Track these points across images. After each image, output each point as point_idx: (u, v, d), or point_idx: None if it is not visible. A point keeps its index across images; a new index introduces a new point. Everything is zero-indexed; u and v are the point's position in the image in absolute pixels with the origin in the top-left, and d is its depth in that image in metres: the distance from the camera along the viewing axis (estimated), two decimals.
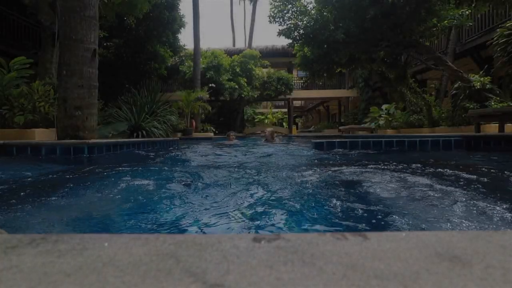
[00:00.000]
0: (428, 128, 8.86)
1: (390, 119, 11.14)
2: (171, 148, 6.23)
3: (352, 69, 11.34)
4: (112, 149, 4.20)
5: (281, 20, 9.08)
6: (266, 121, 29.36)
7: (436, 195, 1.63)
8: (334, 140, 5.00)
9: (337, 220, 1.38)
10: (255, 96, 18.59)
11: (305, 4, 9.11)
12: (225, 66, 17.02)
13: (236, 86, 16.92)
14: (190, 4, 16.53)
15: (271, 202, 1.66)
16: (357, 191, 1.92)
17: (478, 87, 7.06)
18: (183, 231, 1.23)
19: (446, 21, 7.84)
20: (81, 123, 4.37)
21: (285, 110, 28.10)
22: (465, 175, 2.27)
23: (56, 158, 3.61)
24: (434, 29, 8.13)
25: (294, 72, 23.39)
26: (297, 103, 31.47)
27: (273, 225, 1.29)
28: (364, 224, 1.30)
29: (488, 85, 7.13)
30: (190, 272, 0.35)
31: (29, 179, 2.54)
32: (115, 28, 12.23)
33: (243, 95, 17.55)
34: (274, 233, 0.46)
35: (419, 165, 2.85)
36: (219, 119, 21.04)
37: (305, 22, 8.63)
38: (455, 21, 7.77)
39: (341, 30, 7.94)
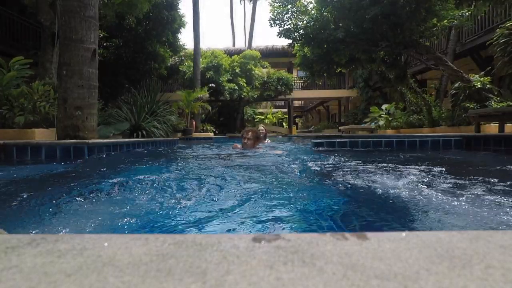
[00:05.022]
0: (428, 128, 8.86)
1: (390, 119, 11.15)
2: (170, 148, 6.24)
3: (352, 69, 11.35)
4: (112, 149, 4.20)
5: (281, 21, 9.09)
6: (266, 121, 29.39)
7: (435, 192, 1.63)
8: (334, 140, 5.00)
9: (338, 219, 1.38)
10: (255, 96, 18.62)
11: (305, 4, 9.12)
12: (225, 66, 17.05)
13: (236, 87, 16.95)
14: (190, 3, 16.54)
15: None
16: (353, 188, 1.92)
17: (478, 87, 7.06)
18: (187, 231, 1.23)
19: (446, 21, 7.85)
20: (81, 123, 4.37)
21: (285, 110, 28.14)
22: (463, 173, 2.28)
23: (56, 158, 3.61)
24: (434, 29, 8.14)
25: (294, 72, 23.42)
26: (297, 103, 31.51)
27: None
28: (365, 222, 1.30)
29: (488, 85, 7.14)
30: (190, 272, 0.35)
31: (28, 179, 2.54)
32: (115, 28, 12.23)
33: (243, 96, 17.58)
34: (274, 233, 0.46)
35: (418, 164, 2.86)
36: (219, 119, 21.08)
37: (305, 22, 8.64)
38: (455, 21, 7.78)
39: (341, 30, 7.95)
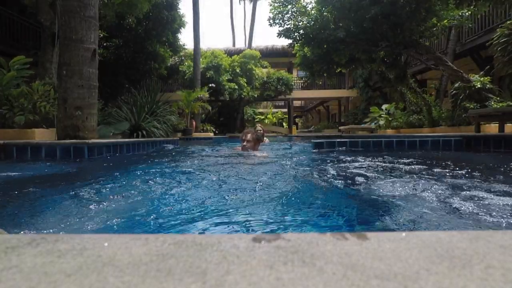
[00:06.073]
0: (428, 128, 8.86)
1: (390, 119, 11.15)
2: (170, 148, 6.23)
3: (352, 69, 11.35)
4: (112, 149, 4.20)
5: (281, 21, 9.10)
6: (266, 121, 29.41)
7: (435, 192, 1.63)
8: (334, 140, 5.00)
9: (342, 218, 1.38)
10: (255, 96, 18.63)
11: (305, 4, 9.12)
12: (225, 66, 17.05)
13: (236, 87, 16.95)
14: (190, 3, 16.55)
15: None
16: (353, 188, 1.92)
17: (478, 87, 7.06)
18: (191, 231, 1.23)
19: (446, 21, 7.85)
20: (81, 123, 4.37)
21: (285, 110, 28.15)
22: (463, 173, 2.28)
23: (56, 158, 3.61)
24: (434, 29, 8.14)
25: (294, 72, 23.43)
26: (297, 103, 31.52)
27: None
28: (364, 222, 1.30)
29: (488, 85, 7.14)
30: (190, 272, 0.35)
31: (28, 179, 2.54)
32: (115, 28, 12.24)
33: (243, 96, 17.58)
34: (274, 233, 0.46)
35: (418, 165, 2.86)
36: (219, 119, 21.08)
37: (305, 22, 8.65)
38: (455, 21, 7.78)
39: (341, 30, 7.95)
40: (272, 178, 2.36)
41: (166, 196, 1.78)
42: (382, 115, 11.58)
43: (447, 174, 2.36)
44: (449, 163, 2.99)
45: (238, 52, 19.72)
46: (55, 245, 0.43)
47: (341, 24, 8.23)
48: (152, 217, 1.37)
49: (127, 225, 1.26)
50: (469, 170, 2.55)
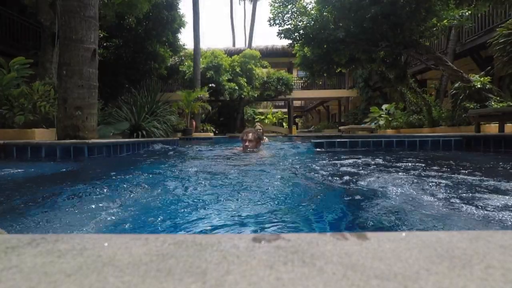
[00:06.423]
0: (428, 128, 8.86)
1: (390, 119, 11.15)
2: (170, 148, 6.23)
3: (352, 69, 11.36)
4: (112, 149, 4.20)
5: (281, 21, 9.10)
6: (266, 121, 29.42)
7: (434, 193, 1.63)
8: (334, 140, 5.00)
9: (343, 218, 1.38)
10: (255, 96, 18.62)
11: (305, 4, 9.12)
12: (225, 66, 17.04)
13: (236, 87, 16.94)
14: (190, 3, 16.55)
15: None
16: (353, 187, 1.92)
17: (478, 87, 7.06)
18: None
19: (446, 21, 7.85)
20: (81, 123, 4.37)
21: (285, 110, 28.16)
22: (462, 171, 2.28)
23: (56, 158, 3.61)
24: (434, 29, 8.14)
25: (294, 72, 23.43)
26: (297, 103, 31.52)
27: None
28: (362, 222, 1.30)
29: (488, 85, 7.14)
30: (190, 272, 0.35)
31: (29, 179, 2.54)
32: (115, 28, 12.23)
33: (243, 95, 17.58)
34: (274, 233, 0.46)
35: (418, 165, 2.86)
36: (219, 119, 21.07)
37: (305, 22, 8.65)
38: (455, 21, 7.78)
39: (341, 30, 7.95)
40: (277, 178, 2.36)
41: (167, 197, 1.78)
42: (382, 115, 11.58)
43: (447, 174, 2.36)
44: (450, 162, 2.99)
45: (238, 52, 19.72)
46: (55, 245, 0.43)
47: (341, 24, 8.23)
48: (152, 217, 1.37)
49: (127, 224, 1.26)
50: (469, 170, 2.55)
